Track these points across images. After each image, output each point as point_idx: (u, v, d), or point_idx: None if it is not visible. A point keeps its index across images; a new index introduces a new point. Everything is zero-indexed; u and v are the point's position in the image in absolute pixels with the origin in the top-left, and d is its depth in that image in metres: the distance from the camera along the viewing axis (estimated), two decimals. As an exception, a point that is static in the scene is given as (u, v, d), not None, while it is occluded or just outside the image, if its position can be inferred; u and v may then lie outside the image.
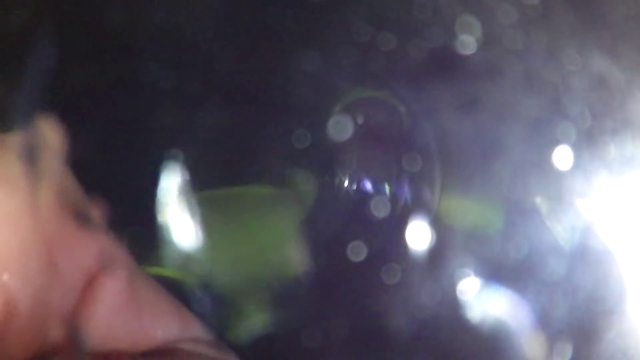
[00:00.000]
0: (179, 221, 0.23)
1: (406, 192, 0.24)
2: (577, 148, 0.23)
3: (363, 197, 0.24)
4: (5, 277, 0.13)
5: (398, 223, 0.24)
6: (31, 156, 0.14)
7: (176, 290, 0.20)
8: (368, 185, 0.24)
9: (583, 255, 0.23)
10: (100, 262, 0.15)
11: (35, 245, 0.13)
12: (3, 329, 0.13)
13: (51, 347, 0.14)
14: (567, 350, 0.22)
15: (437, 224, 0.24)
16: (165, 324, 0.16)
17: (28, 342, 0.14)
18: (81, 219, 0.14)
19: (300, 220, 0.24)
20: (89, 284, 0.14)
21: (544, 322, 0.23)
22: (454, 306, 0.23)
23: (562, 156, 0.23)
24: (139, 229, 0.23)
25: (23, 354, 0.14)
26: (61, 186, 0.14)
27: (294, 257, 0.24)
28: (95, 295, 0.14)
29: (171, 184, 0.23)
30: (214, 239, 0.23)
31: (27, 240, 0.13)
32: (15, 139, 0.14)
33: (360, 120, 0.24)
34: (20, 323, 0.13)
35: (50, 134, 0.14)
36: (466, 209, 0.24)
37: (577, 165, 0.23)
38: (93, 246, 0.15)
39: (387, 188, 0.24)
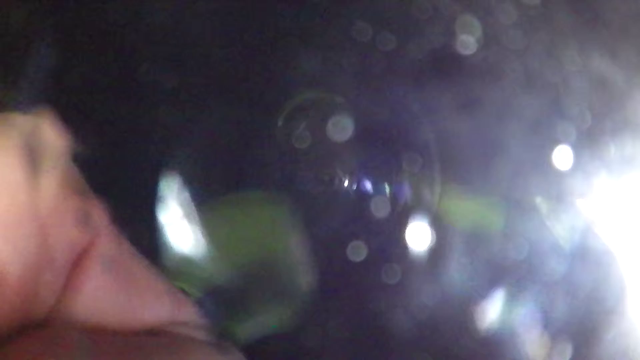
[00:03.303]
0: (179, 221, 0.23)
1: (406, 192, 0.24)
2: (577, 148, 0.23)
3: (363, 197, 0.24)
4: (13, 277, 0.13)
5: (398, 223, 0.24)
6: (31, 148, 0.14)
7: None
8: (368, 185, 0.24)
9: (583, 255, 0.23)
10: (90, 244, 0.14)
11: (28, 219, 0.13)
12: None
13: (37, 322, 0.14)
14: (567, 350, 0.22)
15: (437, 224, 0.24)
16: (156, 305, 0.16)
17: (14, 314, 0.14)
18: (82, 212, 0.14)
19: (299, 219, 0.24)
20: (77, 262, 0.14)
21: (544, 322, 0.23)
22: (453, 306, 0.23)
23: (562, 156, 0.23)
24: (138, 229, 0.23)
25: (9, 325, 0.14)
26: (62, 179, 0.14)
27: (293, 253, 0.24)
28: (83, 271, 0.14)
29: (171, 184, 0.23)
30: (213, 238, 0.23)
31: (21, 213, 0.13)
32: (15, 127, 0.14)
33: (360, 120, 0.24)
34: (9, 294, 0.13)
35: (50, 132, 0.14)
36: (466, 209, 0.24)
37: (577, 165, 0.23)
38: (70, 246, 0.14)
39: (387, 188, 0.24)
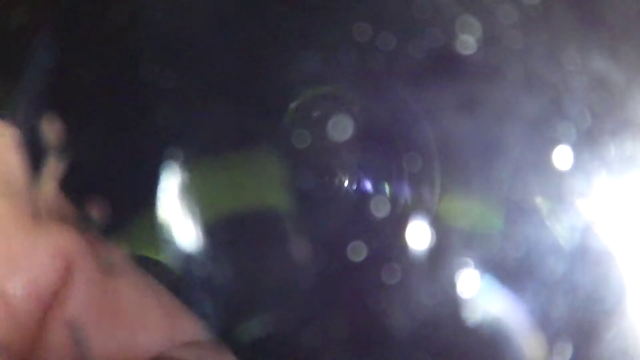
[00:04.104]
0: (178, 219, 0.23)
1: (406, 192, 0.24)
2: (577, 148, 0.23)
3: (363, 197, 0.24)
4: (3, 280, 0.13)
5: (398, 223, 0.24)
6: (30, 152, 0.14)
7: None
8: (368, 185, 0.24)
9: (583, 255, 0.23)
10: (67, 267, 0.14)
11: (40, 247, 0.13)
12: None
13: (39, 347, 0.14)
14: (567, 350, 0.22)
15: (437, 224, 0.24)
16: (149, 334, 0.15)
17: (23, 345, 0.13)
18: (53, 216, 0.14)
19: (299, 219, 0.24)
20: (58, 287, 0.14)
21: (544, 322, 0.23)
22: (453, 306, 0.23)
23: (562, 156, 0.23)
24: (138, 229, 0.23)
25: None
26: (44, 185, 0.14)
27: (293, 252, 0.24)
28: (62, 299, 0.14)
29: (170, 183, 0.23)
30: (213, 237, 0.23)
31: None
32: (14, 133, 0.14)
33: (360, 120, 0.24)
34: (20, 329, 0.13)
35: (50, 132, 0.14)
36: (466, 209, 0.24)
37: (577, 165, 0.23)
38: (57, 244, 0.14)
39: (387, 188, 0.24)
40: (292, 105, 0.24)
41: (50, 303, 0.14)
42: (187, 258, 0.23)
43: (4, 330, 0.13)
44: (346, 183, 0.24)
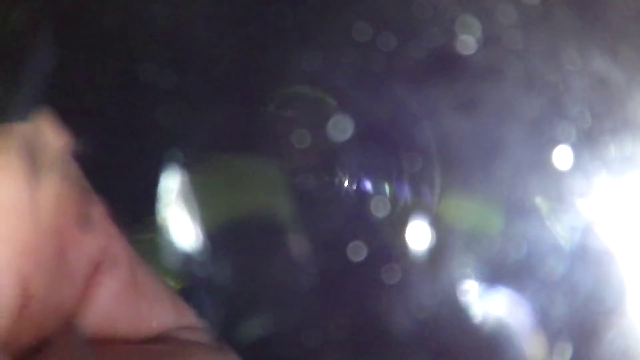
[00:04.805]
0: (178, 219, 0.23)
1: (406, 192, 0.24)
2: (577, 148, 0.23)
3: (363, 197, 0.24)
4: (21, 262, 0.13)
5: (398, 223, 0.24)
6: (32, 151, 0.14)
7: (175, 290, 0.20)
8: (368, 185, 0.24)
9: (583, 255, 0.23)
10: (104, 256, 0.15)
11: (44, 235, 0.14)
12: (19, 314, 0.13)
13: (55, 337, 0.14)
14: (567, 350, 0.22)
15: (437, 224, 0.24)
16: (162, 312, 0.16)
17: (38, 330, 0.14)
18: (83, 215, 0.14)
19: (299, 219, 0.24)
20: (93, 274, 0.15)
21: (544, 322, 0.23)
22: (454, 306, 0.23)
23: (562, 156, 0.23)
24: (138, 228, 0.23)
25: (32, 340, 0.14)
26: (64, 182, 0.14)
27: (293, 250, 0.24)
28: (98, 283, 0.15)
29: (170, 183, 0.23)
30: (212, 237, 0.23)
31: (35, 229, 0.13)
32: (15, 133, 0.14)
33: (360, 121, 0.24)
34: (33, 309, 0.13)
35: (51, 132, 0.14)
36: (466, 209, 0.24)
37: (577, 165, 0.23)
38: (97, 241, 0.15)
39: (387, 188, 0.24)
40: (292, 105, 0.24)
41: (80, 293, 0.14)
42: (188, 258, 0.23)
43: (25, 326, 0.14)
44: (346, 183, 0.24)
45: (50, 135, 0.14)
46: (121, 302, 0.15)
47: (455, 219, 0.24)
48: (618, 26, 0.23)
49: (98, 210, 0.15)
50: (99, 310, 0.15)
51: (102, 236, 0.15)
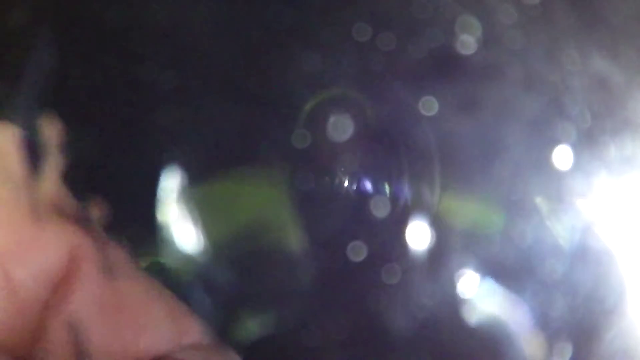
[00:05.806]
0: (178, 219, 0.23)
1: (406, 192, 0.24)
2: (577, 148, 0.23)
3: (363, 197, 0.24)
4: (10, 267, 0.13)
5: (398, 223, 0.24)
6: (30, 151, 0.14)
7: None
8: (368, 185, 0.24)
9: (583, 255, 0.23)
10: (72, 262, 0.14)
11: (39, 241, 0.13)
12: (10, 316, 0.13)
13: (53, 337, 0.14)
14: (567, 350, 0.22)
15: (437, 224, 0.24)
16: (153, 334, 0.15)
17: (31, 327, 0.14)
18: (61, 214, 0.14)
19: (299, 219, 0.24)
20: (60, 286, 0.14)
21: (544, 322, 0.23)
22: (454, 306, 0.23)
23: (562, 156, 0.23)
24: (138, 228, 0.23)
25: (29, 340, 0.14)
26: (45, 182, 0.14)
27: (293, 250, 0.24)
28: (66, 293, 0.14)
29: (170, 183, 0.23)
30: (213, 237, 0.23)
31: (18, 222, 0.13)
32: (15, 133, 0.14)
33: (360, 120, 0.24)
34: (26, 312, 0.13)
35: (50, 132, 0.14)
36: (466, 209, 0.24)
37: (577, 165, 0.23)
38: (64, 244, 0.14)
39: (387, 188, 0.24)
40: (292, 105, 0.24)
41: (54, 294, 0.14)
42: (188, 259, 0.23)
43: (8, 316, 0.13)
44: (346, 183, 0.24)
45: (49, 134, 0.14)
46: (95, 324, 0.14)
47: (455, 219, 0.24)
48: (618, 26, 0.23)
49: (81, 214, 0.15)
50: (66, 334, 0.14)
51: (70, 241, 0.14)
